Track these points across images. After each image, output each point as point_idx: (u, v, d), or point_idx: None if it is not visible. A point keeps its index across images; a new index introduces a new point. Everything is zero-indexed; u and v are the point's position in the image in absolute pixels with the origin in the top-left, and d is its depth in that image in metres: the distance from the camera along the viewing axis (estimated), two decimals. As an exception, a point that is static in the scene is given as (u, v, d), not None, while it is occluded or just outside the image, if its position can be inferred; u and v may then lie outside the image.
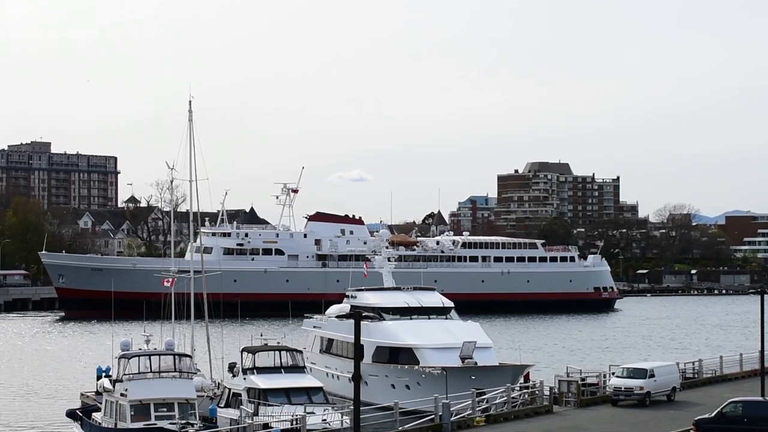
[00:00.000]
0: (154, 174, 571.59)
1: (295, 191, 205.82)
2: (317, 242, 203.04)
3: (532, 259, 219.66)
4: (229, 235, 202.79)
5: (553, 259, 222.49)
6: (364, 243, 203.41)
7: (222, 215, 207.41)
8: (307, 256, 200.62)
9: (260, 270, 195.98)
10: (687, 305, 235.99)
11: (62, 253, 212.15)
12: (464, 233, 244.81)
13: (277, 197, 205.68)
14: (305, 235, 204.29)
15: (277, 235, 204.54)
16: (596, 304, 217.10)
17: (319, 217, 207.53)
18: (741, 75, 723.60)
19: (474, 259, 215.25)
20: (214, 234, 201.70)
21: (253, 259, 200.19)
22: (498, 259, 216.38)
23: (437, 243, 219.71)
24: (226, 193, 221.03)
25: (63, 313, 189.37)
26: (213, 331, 76.71)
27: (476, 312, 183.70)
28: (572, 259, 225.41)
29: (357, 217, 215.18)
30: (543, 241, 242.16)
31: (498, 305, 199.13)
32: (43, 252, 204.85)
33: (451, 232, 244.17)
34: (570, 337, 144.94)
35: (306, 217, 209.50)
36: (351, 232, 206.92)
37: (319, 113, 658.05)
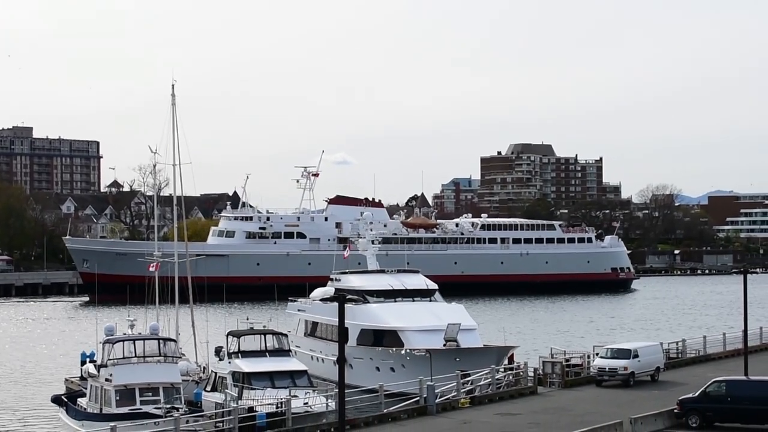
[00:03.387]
0: (136, 158, 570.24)
1: (316, 175, 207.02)
2: (338, 225, 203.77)
3: (550, 241, 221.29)
4: (251, 219, 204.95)
5: (571, 241, 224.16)
6: (384, 226, 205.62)
7: (244, 199, 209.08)
8: (329, 239, 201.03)
9: (282, 253, 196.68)
10: (705, 285, 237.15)
11: (86, 237, 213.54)
12: (465, 217, 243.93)
13: (297, 181, 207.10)
14: (326, 219, 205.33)
15: (298, 218, 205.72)
16: (614, 284, 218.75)
17: (339, 200, 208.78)
18: (725, 57, 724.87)
19: (493, 240, 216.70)
20: (236, 218, 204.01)
21: (275, 243, 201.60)
22: (517, 241, 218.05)
23: (456, 225, 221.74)
24: (248, 177, 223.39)
25: (87, 298, 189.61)
26: (198, 316, 76.76)
27: (496, 293, 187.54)
28: (590, 240, 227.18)
29: (377, 200, 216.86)
30: (561, 222, 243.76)
31: (517, 286, 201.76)
32: (68, 237, 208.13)
33: (469, 214, 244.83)
34: (578, 318, 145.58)
35: (326, 201, 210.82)
36: (371, 215, 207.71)
37: (303, 97, 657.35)
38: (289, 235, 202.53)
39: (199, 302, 79.51)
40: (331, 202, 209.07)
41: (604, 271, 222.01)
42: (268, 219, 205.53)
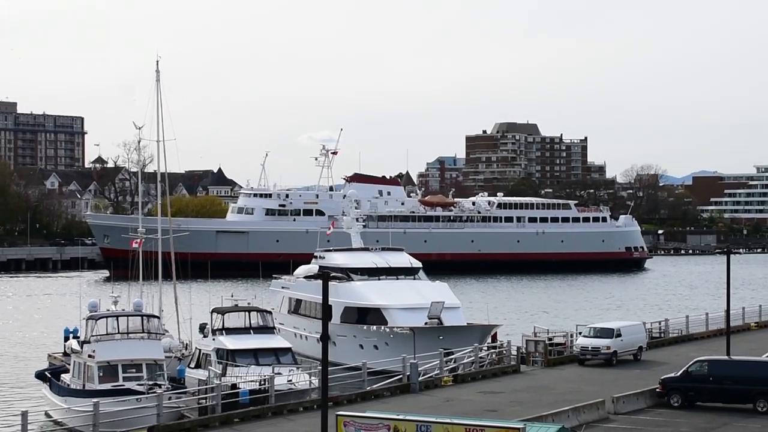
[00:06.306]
0: (121, 134, 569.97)
1: (335, 153, 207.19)
2: (357, 203, 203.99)
3: (565, 220, 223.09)
4: (270, 196, 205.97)
5: (586, 220, 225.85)
6: (402, 204, 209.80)
7: (263, 176, 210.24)
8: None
9: (302, 230, 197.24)
10: (690, 265, 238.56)
11: (107, 213, 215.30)
12: (482, 195, 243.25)
13: (316, 159, 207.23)
14: (344, 196, 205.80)
15: (317, 196, 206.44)
16: (627, 263, 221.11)
17: (357, 178, 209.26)
18: (710, 37, 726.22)
19: (509, 219, 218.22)
20: (255, 195, 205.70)
21: (294, 220, 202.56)
22: (532, 220, 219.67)
23: (473, 204, 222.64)
24: (267, 155, 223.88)
25: (107, 273, 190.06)
26: (182, 293, 76.65)
27: (512, 271, 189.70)
28: (604, 219, 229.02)
29: (394, 178, 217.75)
30: (576, 201, 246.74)
31: (533, 265, 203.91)
32: (89, 213, 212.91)
33: (485, 193, 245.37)
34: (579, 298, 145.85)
35: (344, 179, 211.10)
36: (389, 193, 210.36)
37: (288, 74, 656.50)
38: (308, 213, 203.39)
39: (219, 277, 79.46)
40: (350, 179, 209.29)
41: (618, 250, 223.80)
42: (287, 196, 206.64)
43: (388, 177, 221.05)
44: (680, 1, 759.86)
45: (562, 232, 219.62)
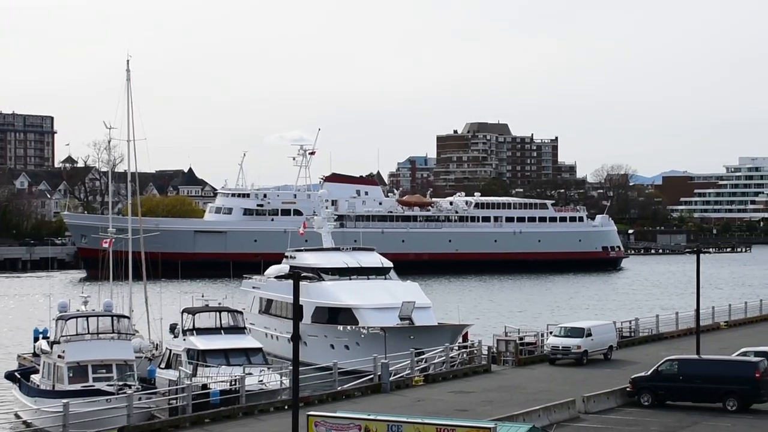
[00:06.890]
0: (91, 134, 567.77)
1: (312, 153, 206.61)
2: (334, 203, 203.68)
3: (542, 219, 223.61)
4: (248, 195, 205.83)
5: (563, 219, 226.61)
6: (380, 203, 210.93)
7: (241, 176, 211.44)
8: None
9: (280, 230, 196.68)
10: (660, 264, 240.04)
11: (84, 213, 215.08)
12: (459, 195, 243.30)
13: (294, 158, 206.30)
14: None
15: (295, 195, 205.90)
16: (604, 262, 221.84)
17: (335, 177, 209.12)
18: (681, 40, 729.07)
19: (486, 219, 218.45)
20: (233, 194, 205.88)
21: (272, 219, 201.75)
22: (510, 220, 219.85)
23: (451, 203, 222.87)
24: (245, 155, 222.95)
25: (80, 273, 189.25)
26: (152, 292, 76.39)
27: (489, 271, 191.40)
28: (581, 219, 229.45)
29: (372, 178, 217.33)
30: (553, 201, 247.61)
31: (510, 264, 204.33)
32: (66, 213, 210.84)
33: (463, 193, 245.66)
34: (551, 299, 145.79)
35: (322, 178, 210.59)
36: (366, 193, 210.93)
37: (258, 74, 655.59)
38: (286, 213, 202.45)
39: (197, 277, 79.08)
40: (327, 179, 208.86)
41: (594, 250, 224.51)
42: (265, 196, 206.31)
43: (360, 176, 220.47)
44: (654, 4, 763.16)
45: (539, 232, 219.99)
